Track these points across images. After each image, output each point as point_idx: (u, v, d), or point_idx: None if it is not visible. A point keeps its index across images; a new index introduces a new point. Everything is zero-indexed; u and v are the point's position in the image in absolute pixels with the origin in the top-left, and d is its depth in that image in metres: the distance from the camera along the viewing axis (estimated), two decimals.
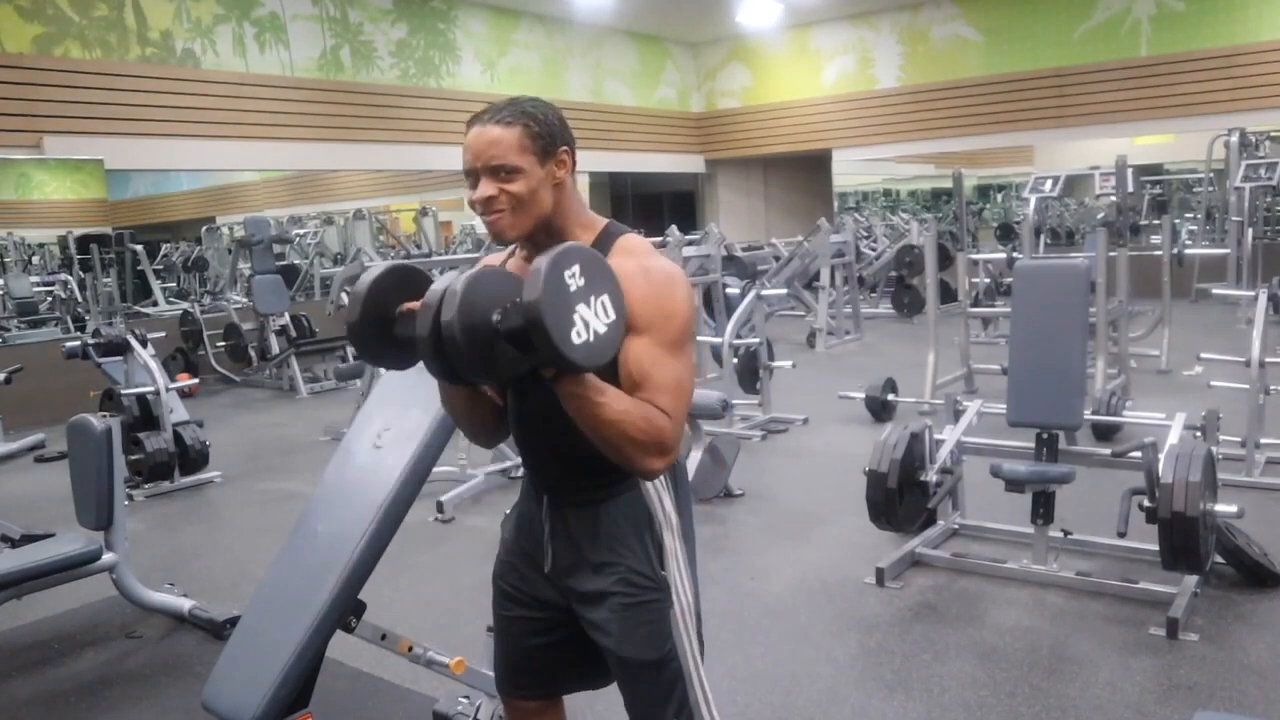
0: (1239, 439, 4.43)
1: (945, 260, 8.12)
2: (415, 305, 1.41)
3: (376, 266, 1.49)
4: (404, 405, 2.35)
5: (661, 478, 1.55)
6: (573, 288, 1.26)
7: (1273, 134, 10.87)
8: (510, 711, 1.77)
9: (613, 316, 1.32)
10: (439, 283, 1.33)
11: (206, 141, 8.92)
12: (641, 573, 1.54)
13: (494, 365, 1.33)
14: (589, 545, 1.55)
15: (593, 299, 1.29)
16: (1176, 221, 9.67)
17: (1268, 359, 4.54)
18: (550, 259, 1.26)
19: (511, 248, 1.65)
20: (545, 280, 1.23)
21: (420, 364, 1.41)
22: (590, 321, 1.28)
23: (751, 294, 6.19)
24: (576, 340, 1.26)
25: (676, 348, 1.46)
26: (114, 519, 3.27)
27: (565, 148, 1.49)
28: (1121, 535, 3.07)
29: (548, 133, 1.47)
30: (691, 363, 1.51)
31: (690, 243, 8.32)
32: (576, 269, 1.27)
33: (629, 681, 1.59)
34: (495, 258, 1.68)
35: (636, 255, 1.49)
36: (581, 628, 1.60)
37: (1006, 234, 12.04)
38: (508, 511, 1.75)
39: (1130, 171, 6.94)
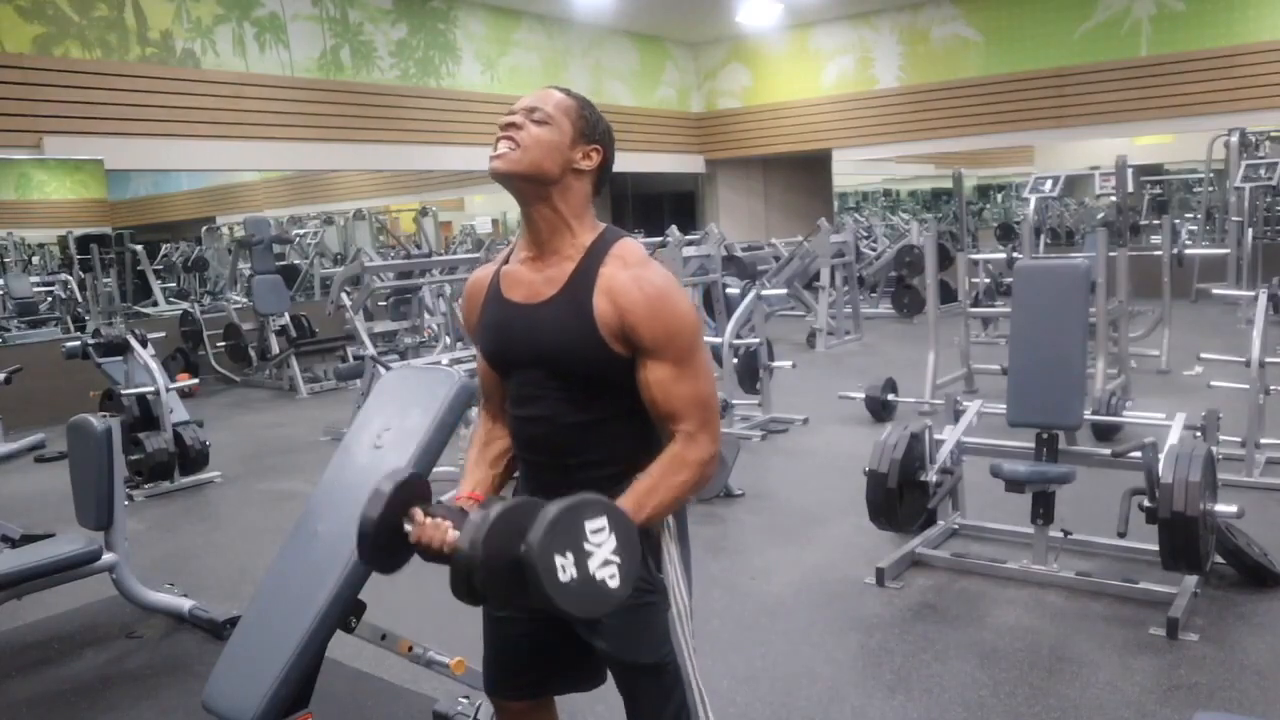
0: (1239, 439, 4.43)
1: (945, 260, 8.11)
2: (417, 528, 1.49)
3: (372, 504, 1.51)
4: (404, 405, 2.35)
5: None
6: (572, 575, 1.27)
7: (1273, 134, 10.87)
8: (500, 713, 1.77)
9: (602, 525, 1.31)
10: (465, 535, 1.35)
11: (206, 141, 8.91)
12: (639, 576, 1.53)
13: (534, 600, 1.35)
14: None
15: (587, 546, 1.29)
16: (1176, 221, 9.66)
17: (1268, 359, 4.54)
18: (541, 576, 1.24)
19: (507, 251, 1.65)
20: (554, 593, 1.25)
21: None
22: (608, 557, 1.31)
23: (751, 294, 6.19)
24: (613, 584, 1.30)
25: (688, 359, 1.48)
26: (114, 519, 3.27)
27: (599, 147, 1.56)
28: (1121, 535, 3.07)
29: (593, 123, 1.55)
30: (706, 366, 1.53)
31: (690, 243, 8.33)
32: (559, 560, 1.27)
33: (629, 685, 1.60)
34: (488, 268, 1.67)
35: (631, 265, 1.50)
36: (571, 630, 1.59)
37: (1006, 234, 12.04)
38: None
39: (1130, 171, 6.94)
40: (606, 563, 1.30)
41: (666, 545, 1.56)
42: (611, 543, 1.31)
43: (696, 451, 1.48)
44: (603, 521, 1.31)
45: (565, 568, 1.26)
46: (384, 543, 1.51)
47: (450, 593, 1.40)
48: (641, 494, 1.44)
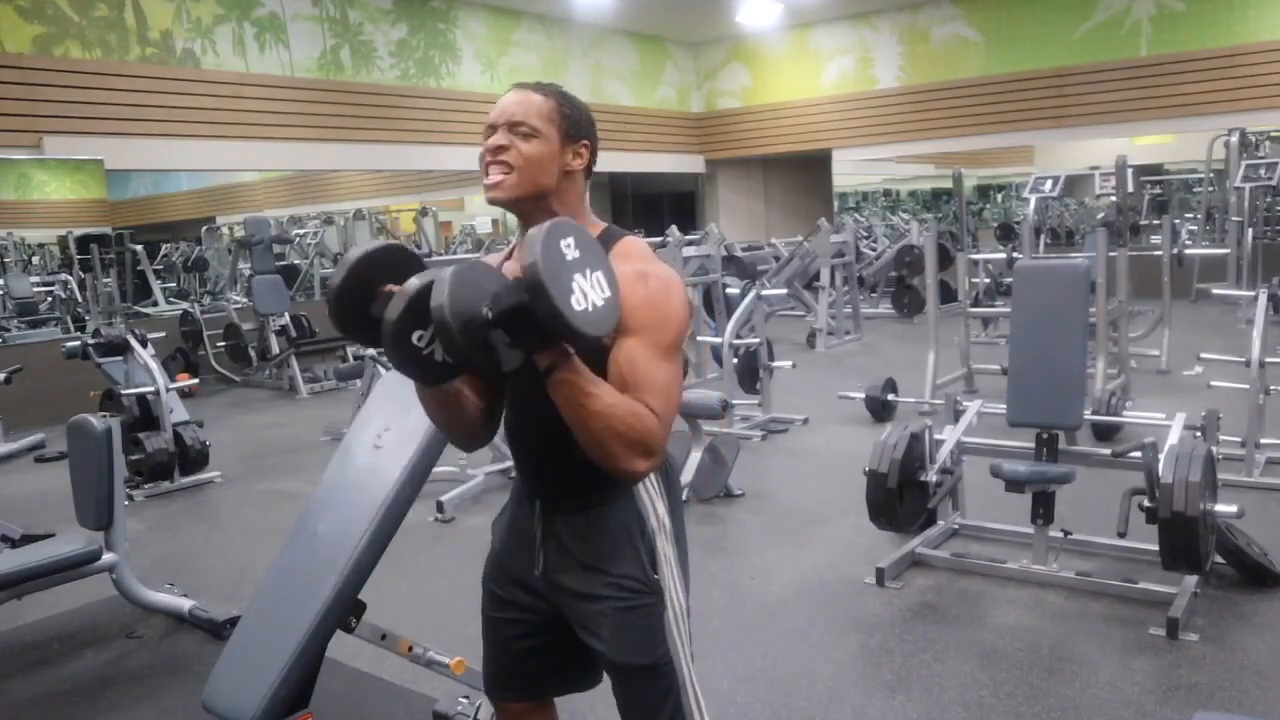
0: (1239, 439, 4.43)
1: (945, 260, 8.12)
2: (397, 288, 1.38)
3: (373, 243, 1.47)
4: (404, 405, 2.34)
5: (654, 482, 1.55)
6: (569, 257, 1.26)
7: (1273, 134, 10.87)
8: (500, 713, 1.76)
9: (608, 292, 1.31)
10: (417, 278, 1.31)
11: (206, 141, 8.92)
12: (634, 577, 1.53)
13: (487, 357, 1.30)
14: (581, 550, 1.54)
15: (588, 271, 1.29)
16: (1176, 221, 9.67)
17: (1268, 359, 4.54)
18: (546, 228, 1.26)
19: (510, 248, 1.65)
20: (543, 246, 1.23)
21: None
22: (588, 292, 1.28)
23: (751, 294, 6.19)
24: (578, 307, 1.25)
25: (668, 352, 1.45)
26: (114, 519, 3.27)
27: (587, 141, 1.54)
28: (1121, 535, 3.07)
29: (576, 118, 1.52)
30: (680, 370, 1.50)
31: (690, 243, 8.33)
32: (571, 241, 1.27)
33: (623, 686, 1.59)
34: (492, 258, 1.68)
35: (634, 260, 1.49)
36: (570, 630, 1.59)
37: (1006, 234, 12.04)
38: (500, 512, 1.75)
39: (1130, 171, 6.94)
40: (586, 295, 1.27)
41: (662, 546, 1.55)
42: (599, 297, 1.29)
43: (651, 421, 1.39)
44: (607, 285, 1.31)
45: (569, 249, 1.26)
46: (354, 319, 1.43)
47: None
48: (602, 385, 1.35)
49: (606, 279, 1.32)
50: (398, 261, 1.45)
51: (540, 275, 1.21)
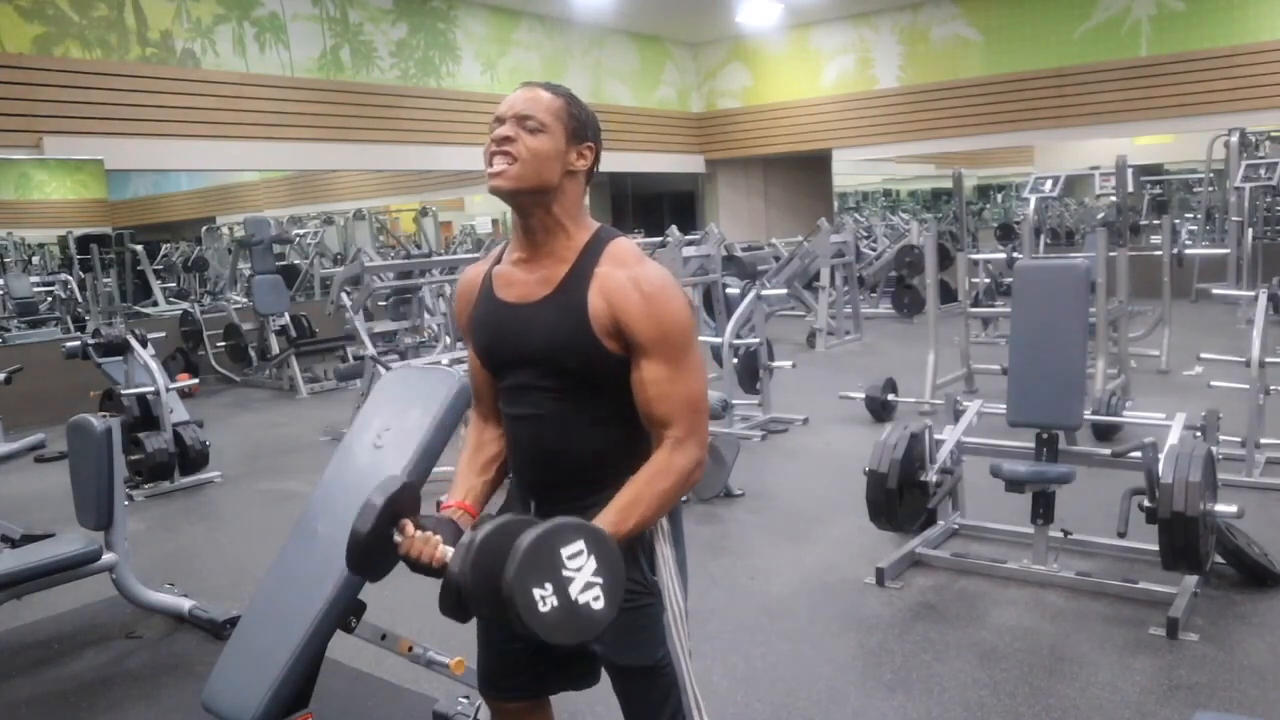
0: (1239, 439, 4.43)
1: (945, 260, 8.11)
2: (406, 541, 1.48)
3: (363, 518, 1.50)
4: (404, 405, 2.35)
5: None
6: (550, 603, 1.25)
7: (1273, 134, 10.86)
8: (495, 713, 1.75)
9: (580, 549, 1.29)
10: (454, 560, 1.36)
11: (206, 141, 8.92)
12: (633, 578, 1.52)
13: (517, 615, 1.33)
14: None
15: (572, 560, 1.27)
16: (1176, 221, 9.65)
17: (1268, 359, 4.54)
18: (521, 611, 1.24)
19: (499, 251, 1.64)
20: (536, 626, 1.24)
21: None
22: (591, 579, 1.28)
23: (751, 294, 6.19)
24: (598, 605, 1.29)
25: (682, 358, 1.47)
26: (114, 519, 3.27)
27: (591, 144, 1.55)
28: (1121, 535, 3.07)
29: (583, 120, 1.53)
30: (699, 366, 1.52)
31: (690, 243, 8.33)
32: (538, 591, 1.25)
33: (624, 687, 1.59)
34: (479, 266, 1.67)
35: (627, 265, 1.49)
36: None
37: (1006, 234, 12.03)
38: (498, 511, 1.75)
39: (1130, 171, 6.94)
40: (588, 586, 1.27)
41: (660, 547, 1.55)
42: (591, 565, 1.28)
43: (683, 459, 1.47)
44: (579, 545, 1.29)
45: (544, 599, 1.24)
46: (374, 553, 1.50)
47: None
48: (625, 506, 1.43)
49: (583, 545, 1.29)
50: (393, 509, 1.51)
51: (563, 642, 1.28)
